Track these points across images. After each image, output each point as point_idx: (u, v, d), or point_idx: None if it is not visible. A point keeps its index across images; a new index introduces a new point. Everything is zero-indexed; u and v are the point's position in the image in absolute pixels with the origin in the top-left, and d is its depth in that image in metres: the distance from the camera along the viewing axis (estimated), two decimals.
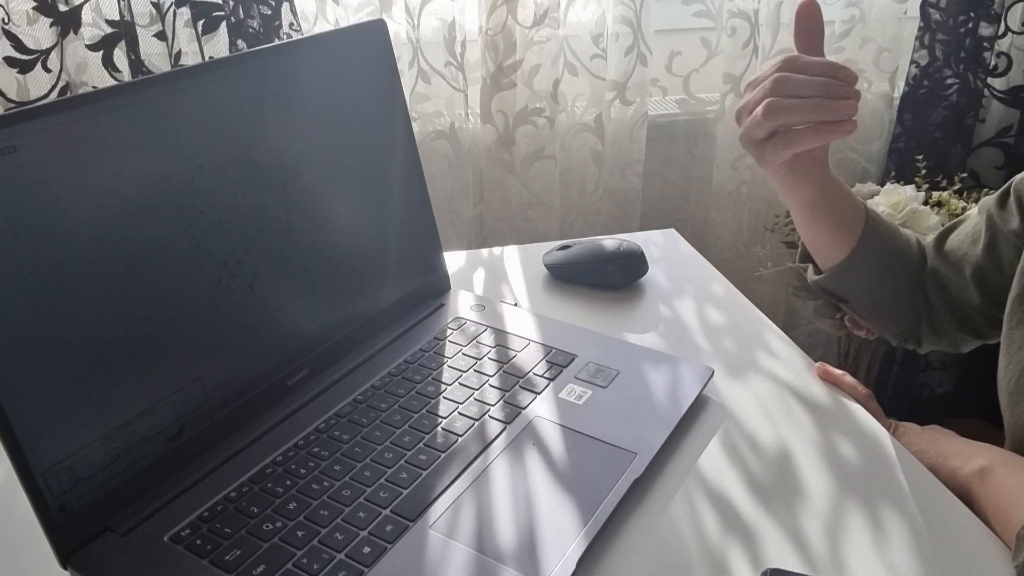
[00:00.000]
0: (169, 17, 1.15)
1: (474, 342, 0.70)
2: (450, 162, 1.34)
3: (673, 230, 0.94)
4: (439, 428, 0.59)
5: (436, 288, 0.77)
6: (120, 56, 1.16)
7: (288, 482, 0.54)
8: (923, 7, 1.40)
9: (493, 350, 0.69)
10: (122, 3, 1.12)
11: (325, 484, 0.54)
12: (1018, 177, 0.66)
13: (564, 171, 1.40)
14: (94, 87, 1.18)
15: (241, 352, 0.59)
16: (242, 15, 1.16)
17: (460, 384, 0.64)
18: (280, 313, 0.61)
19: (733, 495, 0.55)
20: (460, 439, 0.58)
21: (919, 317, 0.76)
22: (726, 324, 0.75)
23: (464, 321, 0.73)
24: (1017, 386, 0.61)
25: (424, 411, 0.61)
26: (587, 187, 1.41)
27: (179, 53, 1.18)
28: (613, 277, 0.80)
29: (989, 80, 1.47)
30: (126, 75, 1.17)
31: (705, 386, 0.64)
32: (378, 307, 0.70)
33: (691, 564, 0.49)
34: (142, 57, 1.16)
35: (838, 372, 0.67)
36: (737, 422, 0.62)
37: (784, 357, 0.70)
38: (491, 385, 0.64)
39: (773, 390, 0.66)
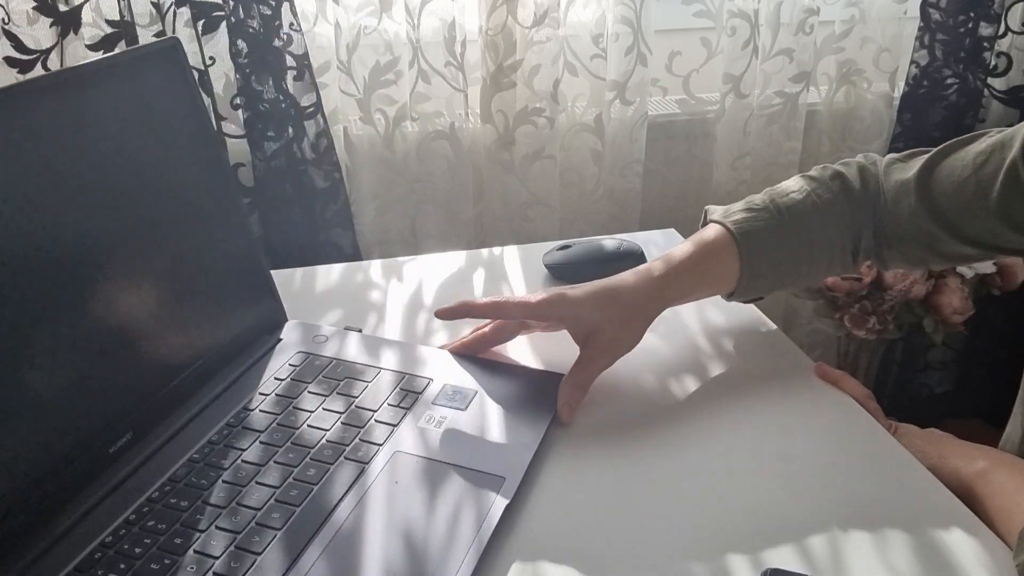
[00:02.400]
0: (169, 17, 1.15)
1: (320, 378, 0.65)
2: (450, 162, 1.34)
3: (673, 230, 0.94)
4: (291, 479, 0.54)
5: (270, 323, 0.71)
6: None
7: (122, 565, 0.48)
8: (923, 7, 1.40)
9: (342, 384, 0.64)
10: (122, 3, 1.12)
11: (166, 562, 0.48)
12: None
13: (564, 171, 1.40)
14: None
15: (48, 423, 0.51)
16: (242, 15, 1.16)
17: (309, 426, 0.59)
18: (89, 374, 0.54)
19: (733, 495, 0.55)
20: (316, 488, 0.53)
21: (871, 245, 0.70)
22: (726, 324, 0.75)
23: (306, 356, 0.67)
24: None
25: (271, 462, 0.56)
26: (587, 187, 1.41)
27: None
28: None
29: (989, 80, 1.47)
30: None
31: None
32: (205, 353, 0.63)
33: (691, 564, 0.49)
34: None
35: (837, 372, 0.67)
36: (735, 422, 0.62)
37: (784, 357, 0.70)
38: (344, 423, 0.60)
39: (773, 390, 0.66)
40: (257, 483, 0.54)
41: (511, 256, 0.89)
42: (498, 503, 0.52)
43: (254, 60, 1.19)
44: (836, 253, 0.69)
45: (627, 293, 0.65)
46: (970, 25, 1.40)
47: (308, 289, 0.82)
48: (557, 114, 1.33)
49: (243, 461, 0.56)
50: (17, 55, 1.14)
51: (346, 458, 0.56)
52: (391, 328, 0.75)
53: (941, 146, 0.67)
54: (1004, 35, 1.44)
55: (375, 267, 0.86)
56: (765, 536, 0.51)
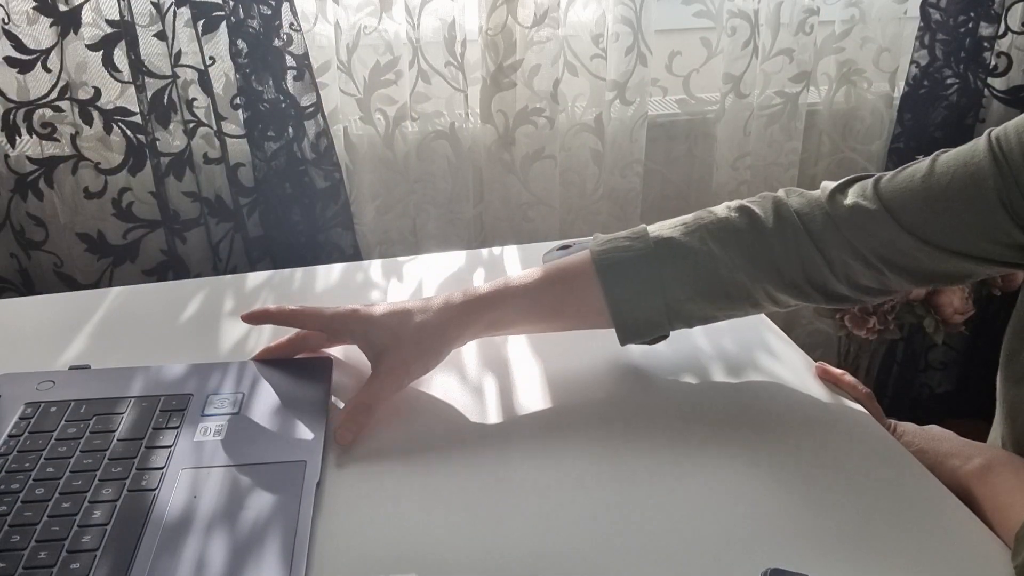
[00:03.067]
0: (169, 17, 1.15)
1: (63, 423, 0.59)
2: (450, 162, 1.34)
3: None
4: (75, 528, 0.50)
5: None
6: (120, 56, 1.17)
7: None
8: (923, 7, 1.40)
9: (92, 422, 0.59)
10: (122, 3, 1.12)
11: None
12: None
13: (564, 171, 1.40)
14: (95, 87, 1.18)
15: None
16: (242, 15, 1.16)
17: (73, 472, 0.54)
18: None
19: (733, 495, 0.55)
20: (108, 528, 0.50)
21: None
22: (726, 324, 0.75)
23: (37, 406, 0.61)
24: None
25: (45, 518, 0.50)
26: (587, 187, 1.41)
27: (179, 53, 1.18)
28: None
29: (989, 80, 1.47)
30: (126, 75, 1.18)
31: (331, 372, 0.66)
32: None
33: (691, 564, 0.49)
34: (142, 57, 1.16)
35: (837, 371, 0.66)
36: (735, 422, 0.62)
37: (784, 357, 0.70)
38: (113, 459, 0.56)
39: (773, 390, 0.66)
40: (37, 542, 0.49)
41: (511, 256, 0.89)
42: (308, 484, 0.53)
43: (254, 60, 1.19)
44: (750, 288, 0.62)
45: (423, 314, 0.62)
46: (970, 25, 1.40)
47: (308, 289, 0.82)
48: (557, 114, 1.33)
49: (10, 527, 0.50)
50: (17, 55, 1.14)
51: (129, 490, 0.53)
52: None
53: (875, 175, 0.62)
54: (1004, 35, 1.44)
55: (375, 267, 0.86)
56: (765, 536, 0.51)
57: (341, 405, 0.63)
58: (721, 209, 0.64)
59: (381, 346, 0.62)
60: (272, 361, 0.67)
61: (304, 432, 0.58)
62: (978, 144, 0.58)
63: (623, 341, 0.64)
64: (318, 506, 0.53)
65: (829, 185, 0.63)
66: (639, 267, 0.62)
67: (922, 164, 0.59)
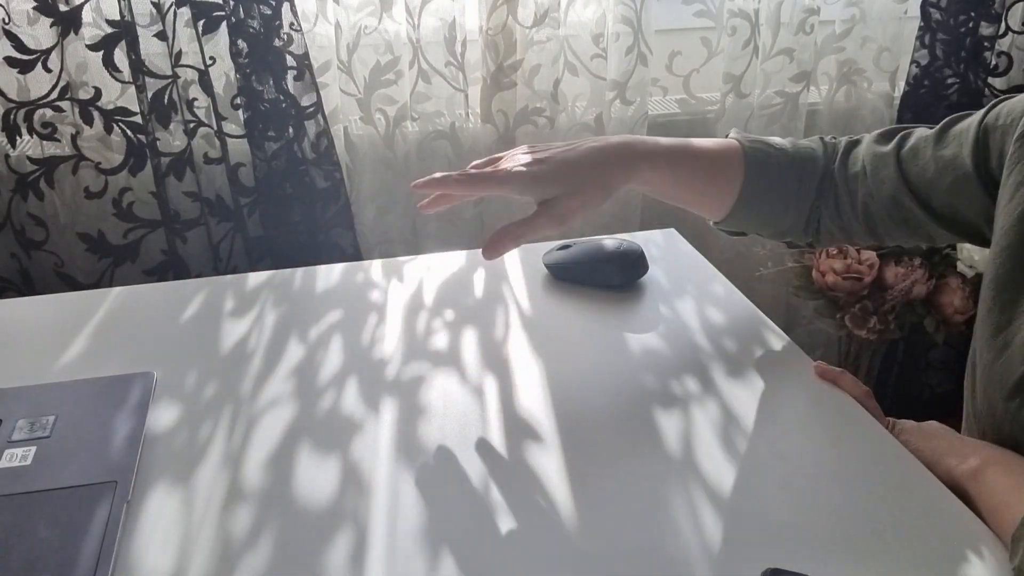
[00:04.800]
0: (169, 17, 1.15)
1: None
2: (450, 162, 1.34)
3: (673, 230, 0.94)
4: None
5: None
6: (120, 56, 1.17)
7: None
8: (923, 7, 1.40)
9: None
10: (122, 3, 1.12)
11: None
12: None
13: None
14: (95, 87, 1.18)
15: None
16: (242, 15, 1.16)
17: None
18: None
19: (732, 495, 0.55)
20: None
21: (814, 215, 0.76)
22: (726, 324, 0.75)
23: None
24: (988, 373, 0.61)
25: None
26: None
27: (179, 53, 1.18)
28: (613, 277, 0.80)
29: (990, 80, 1.46)
30: (126, 75, 1.18)
31: (154, 390, 0.64)
32: None
33: (691, 564, 0.49)
34: (142, 57, 1.16)
35: (836, 370, 0.66)
36: (735, 422, 0.62)
37: (784, 357, 0.70)
38: None
39: (773, 390, 0.66)
40: None
41: (511, 256, 0.89)
42: (116, 505, 0.52)
43: (254, 60, 1.19)
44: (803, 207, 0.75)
45: (589, 164, 0.69)
46: (970, 25, 1.40)
47: (308, 289, 0.82)
48: (557, 114, 1.33)
49: None
50: (17, 55, 1.14)
51: None
52: (391, 328, 0.75)
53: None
54: (1004, 35, 1.44)
55: (375, 267, 0.86)
56: (765, 536, 0.51)
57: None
58: (815, 141, 0.76)
59: (548, 197, 0.68)
60: (90, 380, 0.66)
61: (118, 452, 0.57)
62: (976, 114, 0.66)
63: (717, 225, 0.79)
64: (129, 526, 0.52)
65: (874, 135, 0.74)
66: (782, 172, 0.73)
67: (932, 133, 0.69)
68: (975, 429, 0.64)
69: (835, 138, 0.77)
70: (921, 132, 0.71)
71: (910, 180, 0.69)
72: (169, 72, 1.18)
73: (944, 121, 0.69)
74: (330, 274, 0.85)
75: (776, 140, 0.75)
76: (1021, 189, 0.60)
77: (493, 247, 0.67)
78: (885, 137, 0.73)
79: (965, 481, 0.55)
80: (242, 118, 1.23)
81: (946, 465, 0.58)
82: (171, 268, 1.30)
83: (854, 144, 0.75)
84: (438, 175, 0.68)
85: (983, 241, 0.67)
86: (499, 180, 0.68)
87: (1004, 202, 0.61)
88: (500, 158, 0.73)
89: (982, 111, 0.66)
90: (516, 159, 0.70)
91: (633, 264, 0.80)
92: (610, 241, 0.82)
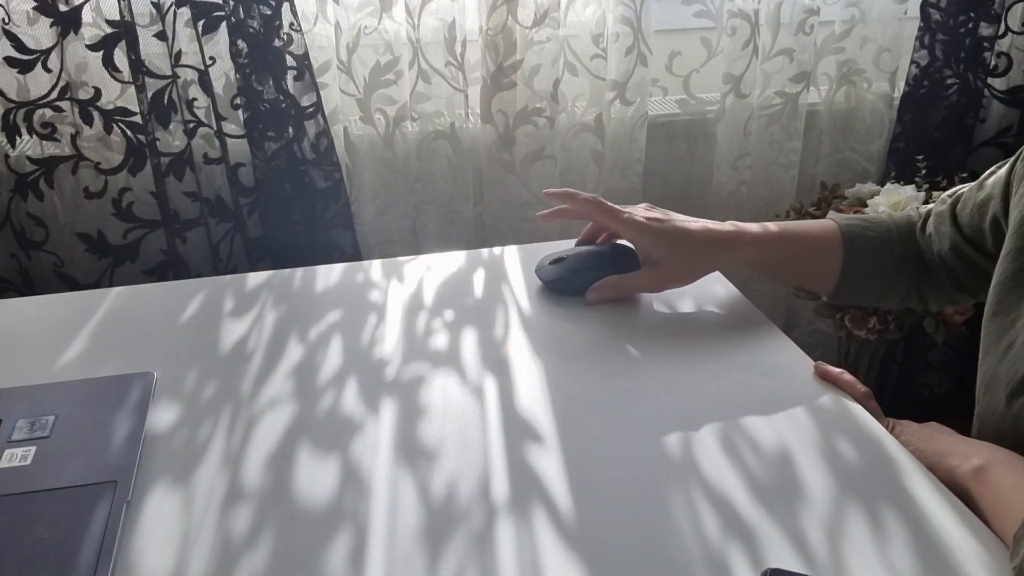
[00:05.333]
0: (169, 17, 1.15)
1: None
2: (450, 162, 1.34)
3: None
4: None
5: None
6: (120, 56, 1.17)
7: None
8: (923, 7, 1.40)
9: None
10: (122, 3, 1.12)
11: None
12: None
13: (564, 171, 1.40)
14: (95, 87, 1.18)
15: None
16: (242, 15, 1.16)
17: None
18: None
19: (732, 495, 0.55)
20: None
21: (916, 282, 0.79)
22: (726, 324, 0.75)
23: None
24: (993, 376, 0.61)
25: None
26: (587, 187, 1.41)
27: (179, 53, 1.18)
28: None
29: (989, 80, 1.47)
30: (126, 75, 1.18)
31: (154, 390, 0.64)
32: None
33: (691, 564, 0.49)
34: (142, 57, 1.16)
35: (836, 370, 0.66)
36: (735, 422, 0.62)
37: (784, 357, 0.70)
38: None
39: (773, 390, 0.66)
40: None
41: (511, 256, 0.89)
42: (116, 505, 0.52)
43: (254, 60, 1.19)
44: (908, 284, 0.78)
45: (698, 245, 0.75)
46: (970, 25, 1.40)
47: (308, 289, 0.82)
48: (557, 114, 1.33)
49: None
50: (17, 55, 1.14)
51: None
52: (391, 328, 0.75)
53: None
54: (1004, 35, 1.44)
55: (375, 267, 0.86)
56: (765, 536, 0.51)
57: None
58: (902, 217, 0.80)
59: (656, 257, 0.75)
60: (90, 380, 0.66)
61: (118, 452, 0.57)
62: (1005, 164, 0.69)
63: (831, 300, 0.80)
64: (129, 526, 0.52)
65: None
66: (878, 250, 0.77)
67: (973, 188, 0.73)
68: (980, 430, 0.64)
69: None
70: (971, 184, 0.74)
71: (962, 229, 0.73)
72: (169, 72, 1.18)
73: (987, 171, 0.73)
74: (330, 274, 0.85)
75: (873, 218, 0.79)
76: None
77: (596, 295, 0.77)
78: (948, 198, 0.77)
79: (966, 481, 0.55)
80: (242, 118, 1.23)
81: (947, 465, 0.58)
82: (171, 268, 1.30)
83: (930, 213, 0.78)
84: (570, 190, 0.78)
85: None
86: (621, 219, 0.75)
87: (1014, 212, 0.63)
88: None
89: (1017, 152, 0.69)
90: (638, 209, 0.77)
91: (629, 268, 0.80)
92: (602, 248, 0.82)
